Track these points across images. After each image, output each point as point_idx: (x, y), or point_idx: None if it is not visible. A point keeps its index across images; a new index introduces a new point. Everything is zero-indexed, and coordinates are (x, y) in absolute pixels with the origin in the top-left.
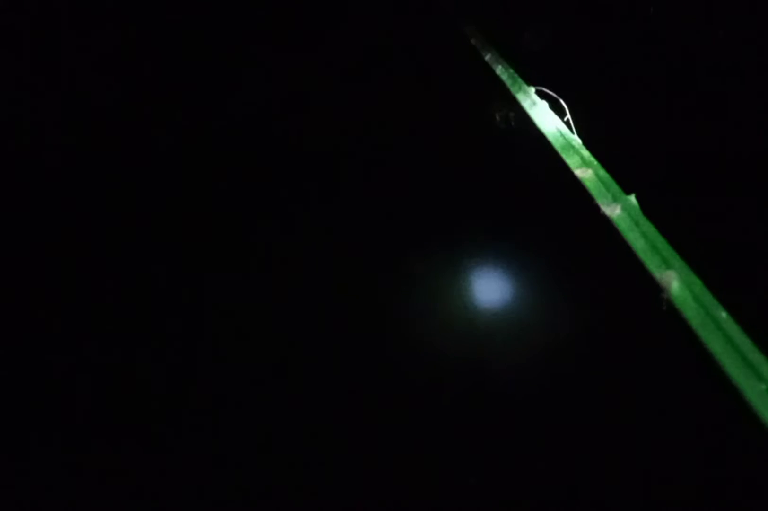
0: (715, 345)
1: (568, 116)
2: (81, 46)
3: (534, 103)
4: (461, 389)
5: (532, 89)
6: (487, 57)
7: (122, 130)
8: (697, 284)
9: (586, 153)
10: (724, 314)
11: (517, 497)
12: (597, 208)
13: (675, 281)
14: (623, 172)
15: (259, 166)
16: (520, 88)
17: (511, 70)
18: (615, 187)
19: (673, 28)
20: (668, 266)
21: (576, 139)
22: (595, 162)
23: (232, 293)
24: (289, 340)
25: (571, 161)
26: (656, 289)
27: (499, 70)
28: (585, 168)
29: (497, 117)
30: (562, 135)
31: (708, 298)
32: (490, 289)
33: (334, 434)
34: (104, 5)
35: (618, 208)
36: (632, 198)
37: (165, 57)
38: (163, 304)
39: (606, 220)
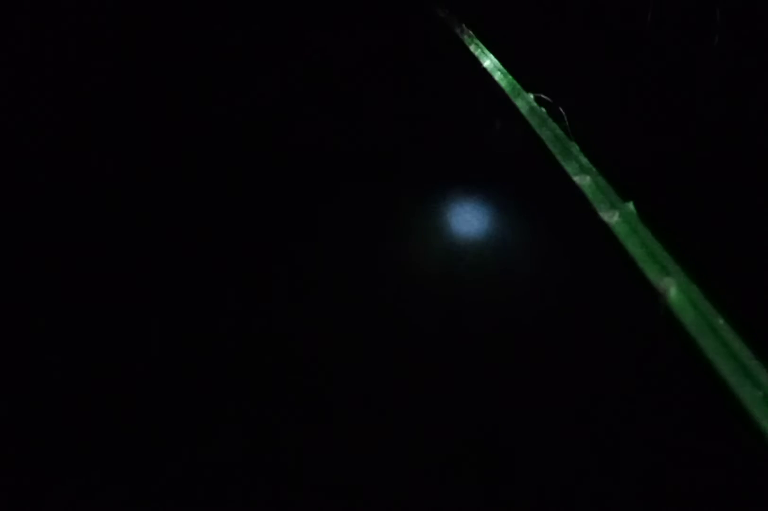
0: (712, 352)
1: (567, 123)
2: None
3: (532, 110)
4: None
5: (531, 96)
6: (486, 63)
7: (120, 129)
8: (695, 290)
9: (584, 160)
10: (721, 321)
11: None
12: (595, 214)
13: (673, 288)
14: (621, 179)
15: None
16: (518, 95)
17: (510, 77)
18: (613, 194)
19: (670, 34)
20: (666, 272)
21: (574, 146)
22: (593, 169)
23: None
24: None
25: (570, 168)
26: (654, 295)
27: (498, 76)
28: (583, 175)
29: (496, 124)
30: (560, 141)
31: (706, 305)
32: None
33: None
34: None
35: (616, 215)
36: (630, 205)
37: (169, 61)
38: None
39: (604, 227)
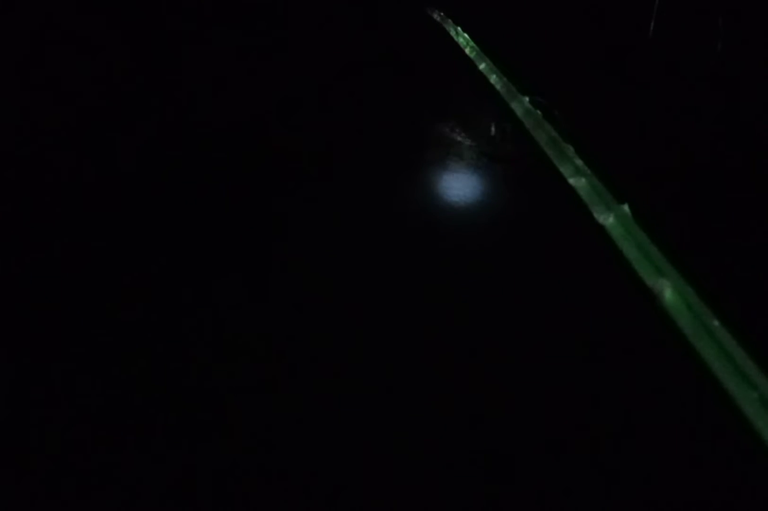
0: (707, 353)
1: (562, 125)
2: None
3: (528, 112)
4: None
5: (526, 98)
6: (482, 66)
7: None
8: (690, 292)
9: (579, 162)
10: (716, 323)
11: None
12: (590, 216)
13: (668, 290)
14: (616, 181)
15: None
16: (514, 98)
17: (506, 79)
18: (608, 196)
19: (670, 41)
20: (661, 274)
21: (569, 148)
22: (589, 171)
23: None
24: None
25: (565, 170)
26: (649, 297)
27: (494, 79)
28: (578, 177)
29: (493, 126)
30: (555, 144)
31: (701, 306)
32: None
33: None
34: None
35: (611, 217)
36: (625, 207)
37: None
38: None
39: (599, 228)
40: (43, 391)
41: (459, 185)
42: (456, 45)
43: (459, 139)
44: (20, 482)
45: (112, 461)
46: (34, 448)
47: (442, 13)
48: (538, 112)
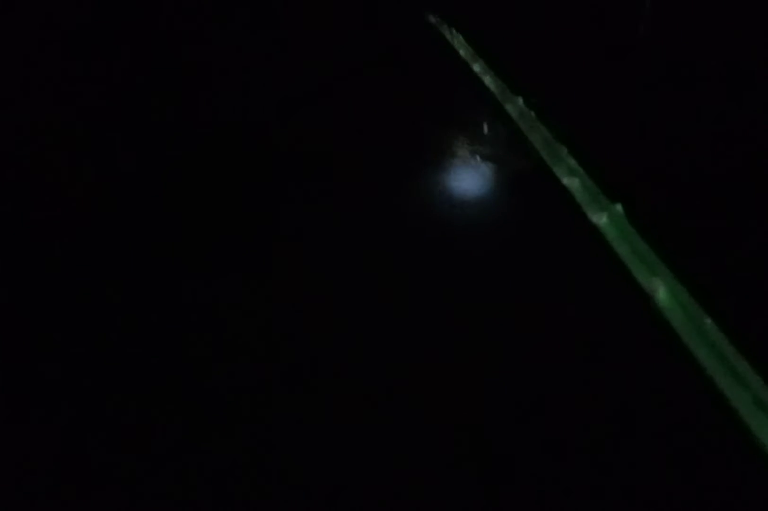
0: (700, 352)
1: (555, 125)
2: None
3: (522, 113)
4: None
5: (520, 99)
6: (476, 68)
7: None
8: (683, 292)
9: (572, 162)
10: (709, 322)
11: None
12: (584, 216)
13: (661, 289)
14: (610, 181)
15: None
16: (507, 98)
17: (499, 80)
18: (601, 195)
19: (663, 42)
20: (654, 273)
21: (563, 148)
22: (582, 171)
23: None
24: None
25: (558, 170)
26: (643, 296)
27: (487, 80)
28: (572, 177)
29: (485, 127)
30: (549, 144)
31: (694, 306)
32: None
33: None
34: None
35: (604, 217)
36: (618, 207)
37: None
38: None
39: (593, 228)
40: (43, 391)
41: (453, 184)
42: (451, 47)
43: (454, 138)
44: (20, 482)
45: (112, 461)
46: (34, 448)
47: (438, 17)
48: (532, 112)
